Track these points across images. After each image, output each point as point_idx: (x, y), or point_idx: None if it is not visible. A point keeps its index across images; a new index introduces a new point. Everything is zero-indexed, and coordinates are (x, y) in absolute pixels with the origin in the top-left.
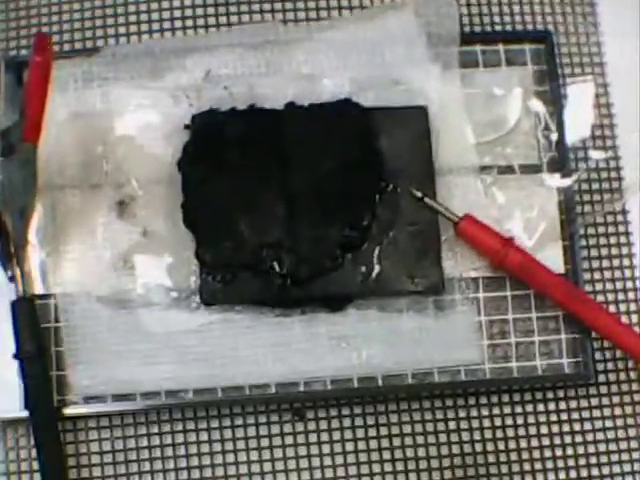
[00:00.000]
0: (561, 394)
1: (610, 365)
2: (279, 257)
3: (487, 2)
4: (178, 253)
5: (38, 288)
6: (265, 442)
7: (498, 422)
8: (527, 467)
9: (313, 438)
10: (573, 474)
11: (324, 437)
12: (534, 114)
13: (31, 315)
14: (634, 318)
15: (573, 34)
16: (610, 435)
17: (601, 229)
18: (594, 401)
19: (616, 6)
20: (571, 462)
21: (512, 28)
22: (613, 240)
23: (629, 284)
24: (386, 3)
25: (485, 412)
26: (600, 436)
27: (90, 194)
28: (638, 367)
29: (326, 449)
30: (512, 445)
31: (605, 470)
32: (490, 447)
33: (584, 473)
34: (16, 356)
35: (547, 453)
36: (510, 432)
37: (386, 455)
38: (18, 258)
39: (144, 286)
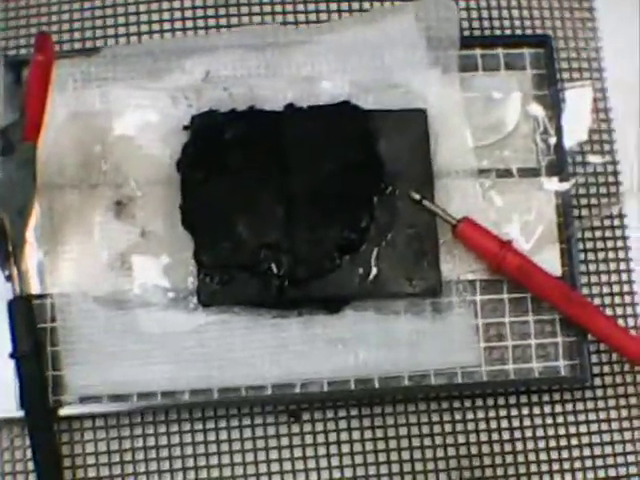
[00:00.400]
0: (557, 397)
1: (606, 368)
2: (277, 258)
3: (487, 6)
4: (176, 254)
5: (35, 288)
6: (261, 443)
7: (494, 424)
8: (523, 470)
9: (309, 440)
10: (569, 477)
11: (320, 439)
12: (533, 118)
13: (28, 314)
14: (630, 321)
15: (572, 39)
16: (606, 438)
17: (598, 233)
18: (590, 404)
19: (615, 12)
20: (567, 465)
21: (511, 32)
22: (610, 244)
23: (625, 287)
24: (386, 7)
25: (481, 414)
26: (596, 439)
27: (88, 194)
28: (634, 370)
29: (322, 451)
30: (508, 448)
31: (601, 473)
32: (486, 449)
33: (579, 476)
34: (12, 355)
35: (543, 456)
36: (506, 435)
37: (382, 457)
38: (16, 257)
39: (141, 287)
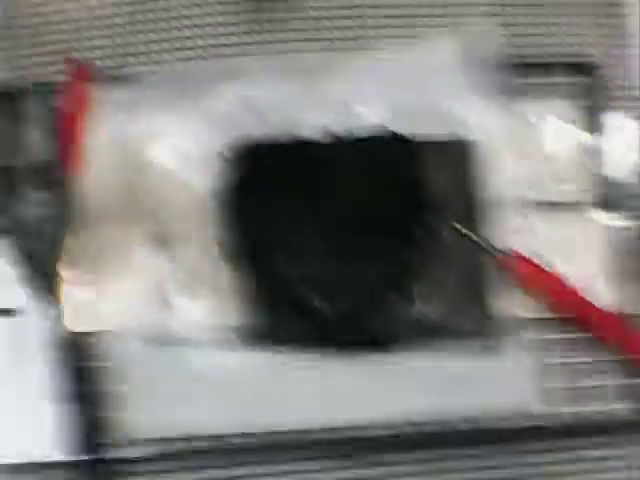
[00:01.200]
0: (616, 440)
1: None
2: (320, 294)
3: (533, 33)
4: (219, 290)
5: (78, 326)
6: None
7: (549, 469)
8: None
9: None
10: None
11: None
12: (580, 148)
13: (74, 354)
14: None
15: (621, 67)
16: None
17: None
18: None
19: None
20: None
21: (558, 59)
22: None
23: None
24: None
25: (539, 460)
26: None
27: (127, 227)
28: None
29: None
30: None
31: None
32: None
33: None
34: (60, 397)
35: None
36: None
37: None
38: (58, 294)
39: (185, 324)
